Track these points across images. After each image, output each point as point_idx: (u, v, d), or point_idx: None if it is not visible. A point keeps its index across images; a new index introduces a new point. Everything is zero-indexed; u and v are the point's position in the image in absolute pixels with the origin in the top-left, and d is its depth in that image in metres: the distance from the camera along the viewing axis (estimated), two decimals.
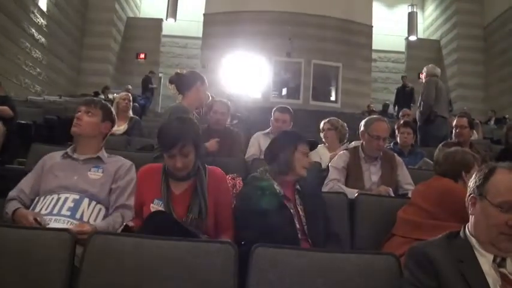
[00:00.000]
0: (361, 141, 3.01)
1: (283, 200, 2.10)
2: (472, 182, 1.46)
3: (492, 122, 11.00)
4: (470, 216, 1.45)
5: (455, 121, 3.99)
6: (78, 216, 1.91)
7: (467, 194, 1.47)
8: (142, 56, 15.40)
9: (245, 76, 13.71)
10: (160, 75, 14.76)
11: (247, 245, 1.62)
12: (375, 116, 3.51)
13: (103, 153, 2.16)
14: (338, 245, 2.08)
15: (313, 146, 2.30)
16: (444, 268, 1.34)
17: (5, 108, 4.87)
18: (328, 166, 3.05)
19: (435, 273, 1.34)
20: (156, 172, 2.02)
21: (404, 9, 15.93)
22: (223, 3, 14.48)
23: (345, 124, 4.06)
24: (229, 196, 2.13)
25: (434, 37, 16.58)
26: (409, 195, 2.47)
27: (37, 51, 11.48)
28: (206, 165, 2.07)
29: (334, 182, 2.81)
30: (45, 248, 1.56)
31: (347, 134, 4.08)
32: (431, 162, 2.93)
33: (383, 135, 2.85)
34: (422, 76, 6.05)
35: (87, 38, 14.70)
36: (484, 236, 1.38)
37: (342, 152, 3.07)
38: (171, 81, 3.09)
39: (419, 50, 15.65)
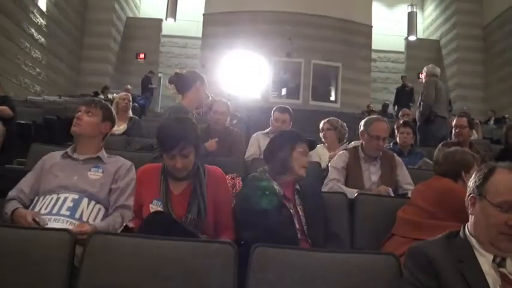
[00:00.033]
0: (361, 141, 3.01)
1: (283, 200, 2.09)
2: (471, 182, 1.46)
3: (492, 122, 11.01)
4: (470, 216, 1.45)
5: (454, 121, 3.98)
6: (77, 216, 1.91)
7: (467, 194, 1.47)
8: (141, 56, 15.42)
9: (245, 76, 13.71)
10: (159, 75, 14.77)
11: (246, 245, 1.62)
12: (374, 116, 3.51)
13: (103, 153, 2.16)
14: (338, 245, 2.08)
15: (311, 145, 2.30)
16: (444, 268, 1.34)
17: (5, 108, 4.87)
18: (327, 166, 3.05)
19: (435, 273, 1.34)
20: (155, 172, 2.01)
21: (404, 9, 15.95)
22: (223, 3, 14.48)
23: (345, 124, 4.06)
24: (228, 196, 2.12)
25: (433, 37, 16.59)
26: (409, 195, 2.47)
27: (37, 51, 11.47)
28: (205, 165, 2.07)
29: (333, 182, 2.80)
30: (45, 248, 1.56)
31: (346, 134, 4.08)
32: (431, 162, 2.93)
33: (383, 135, 2.85)
34: (422, 76, 6.06)
35: (86, 38, 14.69)
36: (483, 236, 1.38)
37: (341, 152, 3.07)
38: (170, 81, 3.08)
39: (419, 50, 15.65)
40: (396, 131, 4.12)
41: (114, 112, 2.32)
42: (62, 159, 2.11)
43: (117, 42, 15.38)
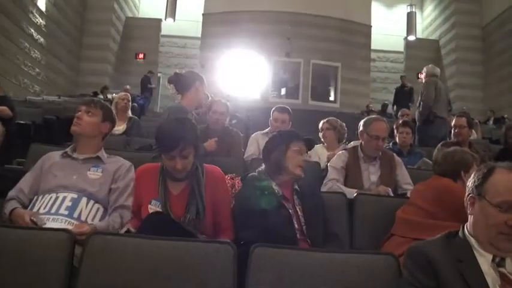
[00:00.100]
0: (360, 141, 3.01)
1: (282, 200, 2.09)
2: (470, 182, 1.46)
3: (491, 121, 11.03)
4: (469, 216, 1.45)
5: (454, 121, 3.98)
6: (76, 215, 1.91)
7: (466, 194, 1.47)
8: (141, 56, 15.43)
9: (244, 76, 13.71)
10: (159, 75, 14.78)
11: (246, 245, 1.62)
12: (373, 115, 3.51)
13: (102, 153, 2.16)
14: (337, 245, 2.08)
15: (309, 144, 2.28)
16: (443, 268, 1.34)
17: (4, 108, 4.87)
18: (327, 166, 3.05)
19: (434, 273, 1.34)
20: (154, 172, 2.01)
21: (403, 9, 15.97)
22: (222, 3, 14.47)
23: (344, 124, 4.06)
24: (227, 195, 2.12)
25: (433, 37, 16.60)
26: (408, 195, 2.47)
27: (36, 51, 11.46)
28: (204, 165, 2.06)
29: (333, 182, 2.80)
30: (44, 248, 1.56)
31: (346, 134, 4.08)
32: (431, 162, 2.92)
33: (382, 135, 2.85)
34: (422, 76, 6.05)
35: (86, 38, 14.69)
36: (483, 236, 1.38)
37: (340, 152, 3.07)
38: (170, 81, 3.08)
39: (418, 50, 15.67)
40: (395, 131, 4.11)
41: (114, 112, 2.32)
42: (61, 159, 2.11)
43: (116, 42, 15.38)
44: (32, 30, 11.18)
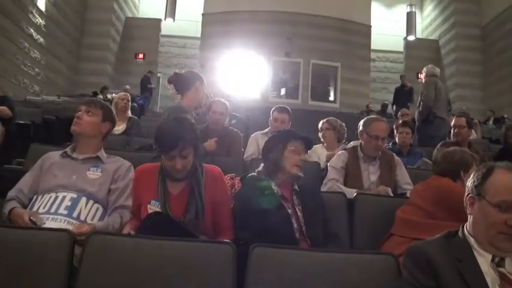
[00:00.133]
0: (360, 141, 3.01)
1: (281, 200, 2.09)
2: (470, 182, 1.46)
3: (491, 121, 11.03)
4: (469, 216, 1.45)
5: (453, 121, 3.98)
6: (75, 215, 1.91)
7: (466, 194, 1.47)
8: (140, 56, 15.43)
9: (244, 76, 13.71)
10: (158, 75, 14.78)
11: (245, 245, 1.62)
12: (373, 115, 3.51)
13: (102, 153, 2.16)
14: (337, 244, 2.08)
15: (308, 142, 2.26)
16: (443, 268, 1.34)
17: (4, 108, 4.87)
18: (326, 166, 3.05)
19: (434, 273, 1.34)
20: (153, 172, 2.00)
21: (402, 9, 15.96)
22: (222, 3, 14.47)
23: (344, 124, 4.06)
24: (227, 195, 2.11)
25: (432, 37, 16.60)
26: (408, 195, 2.48)
27: (36, 51, 11.46)
28: (204, 165, 2.06)
29: (332, 182, 2.81)
30: (44, 248, 1.56)
31: (345, 134, 4.08)
32: (430, 162, 2.93)
33: (382, 135, 2.85)
34: (422, 76, 6.05)
35: (85, 38, 14.69)
36: (482, 236, 1.38)
37: (340, 151, 3.07)
38: (169, 81, 3.08)
39: (418, 50, 15.67)
40: (395, 131, 4.11)
41: (114, 112, 2.32)
42: (61, 159, 2.11)
43: (116, 42, 15.37)
44: (32, 30, 11.18)
